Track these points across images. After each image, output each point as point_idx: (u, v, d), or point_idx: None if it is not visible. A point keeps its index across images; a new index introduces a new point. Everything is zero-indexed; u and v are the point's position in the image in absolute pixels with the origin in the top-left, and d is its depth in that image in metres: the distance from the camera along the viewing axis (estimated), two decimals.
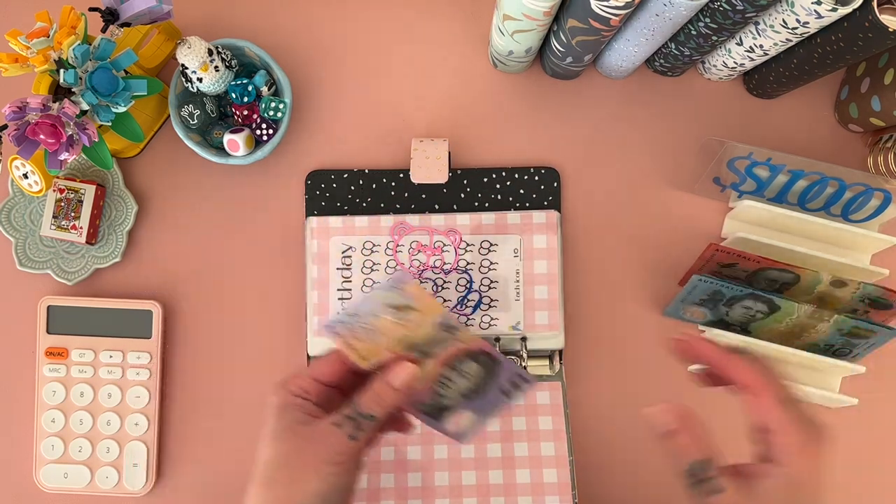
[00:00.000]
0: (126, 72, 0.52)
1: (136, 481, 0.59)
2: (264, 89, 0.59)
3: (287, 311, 0.61)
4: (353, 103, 0.63)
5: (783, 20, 0.50)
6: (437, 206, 0.61)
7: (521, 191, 0.62)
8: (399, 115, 0.63)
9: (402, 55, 0.64)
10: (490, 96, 0.64)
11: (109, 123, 0.51)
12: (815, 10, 0.47)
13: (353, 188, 0.61)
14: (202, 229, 0.62)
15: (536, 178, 0.62)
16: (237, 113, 0.60)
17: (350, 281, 0.59)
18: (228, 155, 0.59)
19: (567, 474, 0.58)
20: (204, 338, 0.61)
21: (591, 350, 0.61)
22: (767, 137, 0.64)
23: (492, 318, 0.59)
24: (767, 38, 0.53)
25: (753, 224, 0.62)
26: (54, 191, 0.58)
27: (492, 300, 0.59)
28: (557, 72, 0.62)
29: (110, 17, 0.51)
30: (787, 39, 0.52)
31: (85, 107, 0.49)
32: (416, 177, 0.59)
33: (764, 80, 0.61)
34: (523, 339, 0.59)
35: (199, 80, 0.56)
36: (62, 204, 0.58)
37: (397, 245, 0.60)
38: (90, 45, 0.49)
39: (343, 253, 0.59)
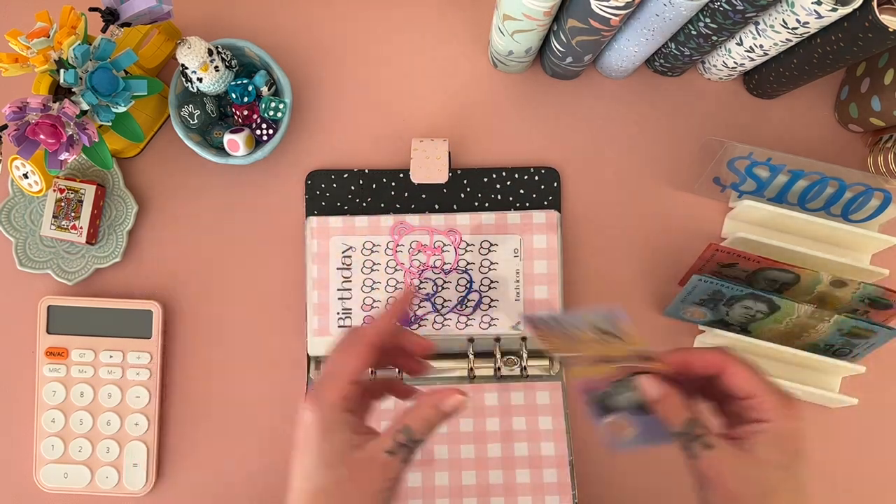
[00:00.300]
0: (126, 72, 0.52)
1: (136, 481, 0.59)
2: (264, 89, 0.59)
3: (287, 311, 0.61)
4: (353, 103, 0.63)
5: (783, 20, 0.50)
6: (437, 206, 0.61)
7: (521, 191, 0.62)
8: (399, 115, 0.63)
9: (402, 55, 0.64)
10: (490, 96, 0.64)
11: (109, 123, 0.51)
12: (815, 10, 0.47)
13: (353, 188, 0.61)
14: (202, 229, 0.62)
15: (536, 178, 0.62)
16: (237, 113, 0.60)
17: (350, 281, 0.59)
18: (228, 155, 0.59)
19: (567, 474, 0.58)
20: (204, 338, 0.61)
21: None
22: (767, 137, 0.64)
23: (492, 318, 0.59)
24: (767, 38, 0.53)
25: (753, 224, 0.62)
26: (54, 191, 0.58)
27: (492, 300, 0.59)
28: (557, 72, 0.62)
29: (110, 17, 0.51)
30: (787, 39, 0.52)
31: (85, 107, 0.49)
32: (416, 177, 0.59)
33: (764, 80, 0.61)
34: (523, 339, 0.59)
35: (199, 80, 0.56)
36: (62, 204, 0.58)
37: (397, 245, 0.60)
38: (90, 45, 0.49)
39: (343, 253, 0.60)
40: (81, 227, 0.58)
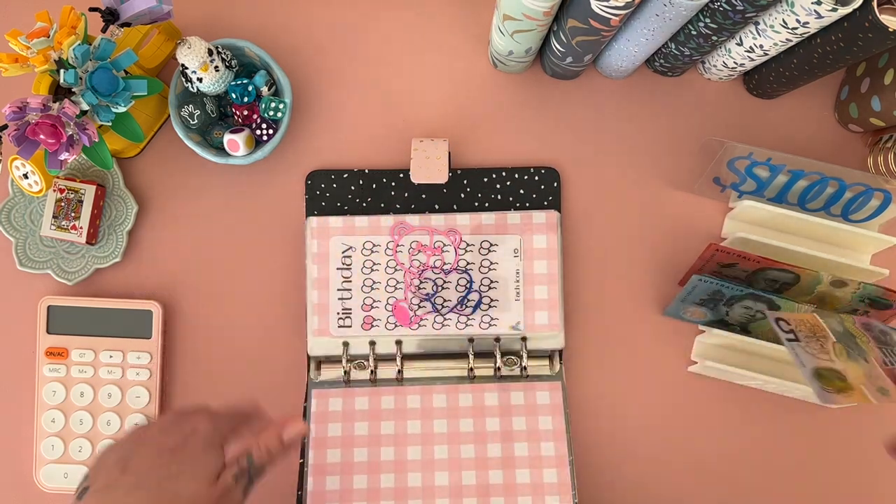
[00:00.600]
0: (126, 72, 0.52)
1: None
2: (264, 89, 0.59)
3: (287, 311, 0.61)
4: (353, 103, 0.63)
5: (783, 20, 0.50)
6: (437, 206, 0.61)
7: (521, 191, 0.62)
8: (399, 115, 0.63)
9: (402, 55, 0.64)
10: (490, 96, 0.64)
11: (109, 123, 0.51)
12: (815, 10, 0.47)
13: (353, 188, 0.61)
14: (202, 229, 0.62)
15: (536, 178, 0.62)
16: (237, 113, 0.60)
17: (350, 281, 0.59)
18: (228, 155, 0.59)
19: (567, 474, 0.58)
20: (204, 338, 0.61)
21: (591, 350, 0.61)
22: (767, 137, 0.64)
23: (492, 318, 0.59)
24: (767, 38, 0.53)
25: (753, 224, 0.62)
26: (54, 191, 0.58)
27: (492, 300, 0.59)
28: (557, 72, 0.62)
29: (110, 17, 0.51)
30: (787, 39, 0.52)
31: (85, 107, 0.49)
32: (416, 177, 0.59)
33: (764, 80, 0.61)
34: (523, 339, 0.59)
35: (199, 80, 0.56)
36: (62, 204, 0.58)
37: (397, 245, 0.60)
38: (90, 45, 0.49)
39: (343, 253, 0.60)
40: (81, 227, 0.58)
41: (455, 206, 0.61)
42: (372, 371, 0.59)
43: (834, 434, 0.62)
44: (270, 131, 0.59)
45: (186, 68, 0.55)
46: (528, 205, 0.62)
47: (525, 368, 0.59)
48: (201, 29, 0.63)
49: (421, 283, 0.60)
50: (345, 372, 0.59)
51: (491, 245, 0.60)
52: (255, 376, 0.61)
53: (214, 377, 0.61)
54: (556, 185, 0.62)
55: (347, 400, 0.59)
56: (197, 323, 0.61)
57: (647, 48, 0.56)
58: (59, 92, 0.53)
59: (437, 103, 0.63)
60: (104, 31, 0.51)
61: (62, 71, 0.48)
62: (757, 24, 0.53)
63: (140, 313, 0.59)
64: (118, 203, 0.61)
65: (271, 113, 0.59)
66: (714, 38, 0.53)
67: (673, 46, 0.57)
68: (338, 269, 0.60)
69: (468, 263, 0.60)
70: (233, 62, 0.58)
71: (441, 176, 0.59)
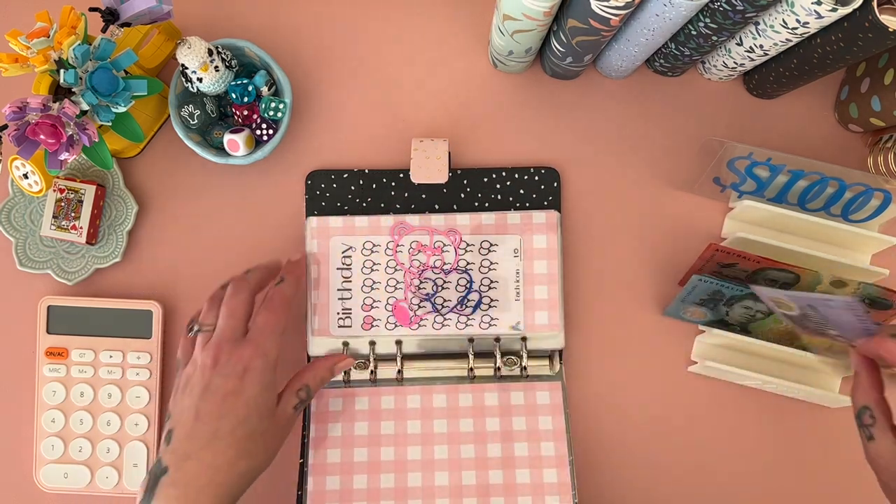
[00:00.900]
0: (126, 72, 0.52)
1: (136, 481, 0.59)
2: (264, 89, 0.59)
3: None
4: (353, 103, 0.63)
5: (783, 20, 0.50)
6: (437, 206, 0.61)
7: (521, 191, 0.62)
8: (399, 115, 0.63)
9: (402, 55, 0.64)
10: (490, 96, 0.64)
11: (109, 123, 0.51)
12: (815, 11, 0.47)
13: (353, 188, 0.61)
14: (202, 229, 0.62)
15: (536, 178, 0.62)
16: (237, 113, 0.60)
17: (350, 281, 0.59)
18: (228, 155, 0.59)
19: (567, 474, 0.58)
20: None
21: (591, 350, 0.61)
22: (767, 137, 0.64)
23: (492, 318, 0.59)
24: (767, 39, 0.53)
25: (753, 224, 0.62)
26: (54, 191, 0.58)
27: (492, 300, 0.59)
28: (557, 72, 0.62)
29: (110, 17, 0.51)
30: (787, 39, 0.52)
31: (85, 107, 0.49)
32: (416, 177, 0.59)
33: (764, 80, 0.61)
34: (523, 339, 0.59)
35: (199, 80, 0.56)
36: (62, 204, 0.58)
37: (397, 245, 0.60)
38: (90, 45, 0.49)
39: (343, 253, 0.60)
40: (81, 227, 0.58)
41: (455, 206, 0.61)
42: (372, 371, 0.59)
43: (834, 434, 0.62)
44: (270, 131, 0.59)
45: (186, 68, 0.55)
46: (528, 205, 0.62)
47: (525, 368, 0.59)
48: (201, 29, 0.63)
49: (421, 283, 0.60)
50: (345, 372, 0.59)
51: (491, 245, 0.60)
52: None
53: None
54: (556, 185, 0.62)
55: (347, 400, 0.59)
56: None
57: (647, 48, 0.55)
58: (59, 92, 0.53)
59: (437, 103, 0.63)
60: (104, 31, 0.51)
61: (62, 71, 0.48)
62: (757, 24, 0.53)
63: (140, 313, 0.59)
64: (118, 203, 0.61)
65: (271, 113, 0.59)
66: (714, 38, 0.53)
67: (673, 46, 0.57)
68: (338, 268, 0.60)
69: (468, 263, 0.60)
70: (233, 62, 0.58)
71: (441, 176, 0.59)
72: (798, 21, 0.49)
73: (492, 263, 0.60)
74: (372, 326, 0.59)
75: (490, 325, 0.59)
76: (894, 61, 0.56)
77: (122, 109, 0.51)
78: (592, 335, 0.62)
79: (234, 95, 0.59)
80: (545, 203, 0.62)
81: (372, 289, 0.59)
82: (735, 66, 0.59)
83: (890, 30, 0.47)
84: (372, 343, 0.59)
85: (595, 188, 0.63)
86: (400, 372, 0.59)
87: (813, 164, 0.59)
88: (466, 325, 0.59)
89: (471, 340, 0.59)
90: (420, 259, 0.60)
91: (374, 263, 0.60)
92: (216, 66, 0.56)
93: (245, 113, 0.60)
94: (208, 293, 0.61)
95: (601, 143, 0.63)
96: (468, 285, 0.60)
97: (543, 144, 0.63)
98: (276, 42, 0.63)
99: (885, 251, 0.61)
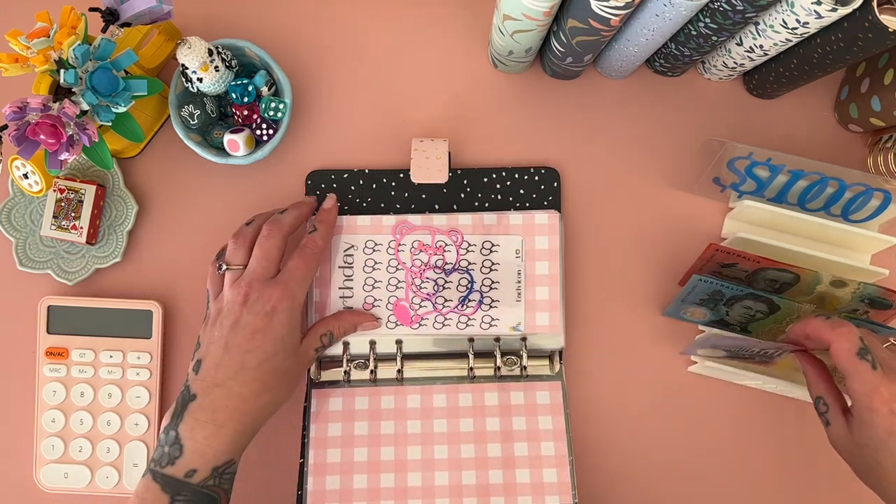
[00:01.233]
0: (126, 72, 0.52)
1: (136, 481, 0.59)
2: (264, 89, 0.59)
3: None
4: (353, 103, 0.63)
5: (783, 20, 0.50)
6: (437, 207, 0.61)
7: (521, 191, 0.62)
8: (399, 115, 0.63)
9: (402, 55, 0.64)
10: (490, 96, 0.64)
11: (109, 123, 0.51)
12: (814, 11, 0.47)
13: (353, 188, 0.61)
14: (202, 229, 0.62)
15: (536, 178, 0.62)
16: (237, 113, 0.60)
17: (351, 279, 0.59)
18: (228, 155, 0.59)
19: (567, 474, 0.58)
20: None
21: (591, 350, 0.61)
22: (767, 137, 0.64)
23: (493, 319, 0.59)
24: (767, 39, 0.53)
25: (753, 224, 0.62)
26: (54, 191, 0.58)
27: (493, 300, 0.59)
28: (557, 72, 0.62)
29: (110, 17, 0.51)
30: (786, 39, 0.52)
31: (85, 107, 0.49)
32: (417, 177, 0.59)
33: (764, 80, 0.61)
34: (523, 338, 0.59)
35: (200, 80, 0.56)
36: (62, 204, 0.58)
37: (399, 244, 0.60)
38: (90, 45, 0.49)
39: (345, 251, 0.60)
40: (81, 227, 0.58)
41: (455, 206, 0.61)
42: (372, 371, 0.59)
43: None
44: (270, 131, 0.59)
45: (186, 68, 0.55)
46: (528, 205, 0.62)
47: (525, 368, 0.59)
48: (201, 29, 0.63)
49: (422, 282, 0.60)
50: (345, 371, 0.59)
51: (493, 245, 0.60)
52: None
53: None
54: (556, 185, 0.62)
55: (347, 399, 0.59)
56: (197, 323, 0.61)
57: (647, 48, 0.56)
58: (59, 92, 0.53)
59: (437, 103, 0.63)
60: (104, 31, 0.51)
61: (62, 71, 0.48)
62: (757, 24, 0.53)
63: (140, 313, 0.59)
64: (118, 203, 0.61)
65: (271, 113, 0.59)
66: (714, 38, 0.53)
67: (673, 46, 0.57)
68: (340, 267, 0.60)
69: (469, 263, 0.60)
70: (233, 62, 0.58)
71: (441, 176, 0.59)
72: (798, 21, 0.49)
73: (493, 264, 0.60)
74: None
75: (490, 326, 0.59)
76: (894, 61, 0.56)
77: (122, 109, 0.51)
78: (592, 335, 0.62)
79: (234, 95, 0.59)
80: (545, 203, 0.62)
81: (373, 287, 0.60)
82: (735, 66, 0.59)
83: (890, 30, 0.47)
84: (372, 343, 0.59)
85: (595, 188, 0.63)
86: (400, 372, 0.59)
87: (813, 164, 0.59)
88: (467, 325, 0.59)
89: (471, 340, 0.59)
90: (421, 258, 0.60)
91: (376, 262, 0.60)
92: (216, 66, 0.56)
93: (245, 113, 0.60)
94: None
95: (601, 143, 0.63)
96: (469, 285, 0.60)
97: (543, 144, 0.63)
98: (276, 42, 0.63)
99: (885, 251, 0.61)
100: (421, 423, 0.58)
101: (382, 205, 0.61)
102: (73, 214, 0.58)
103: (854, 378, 0.46)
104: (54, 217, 0.58)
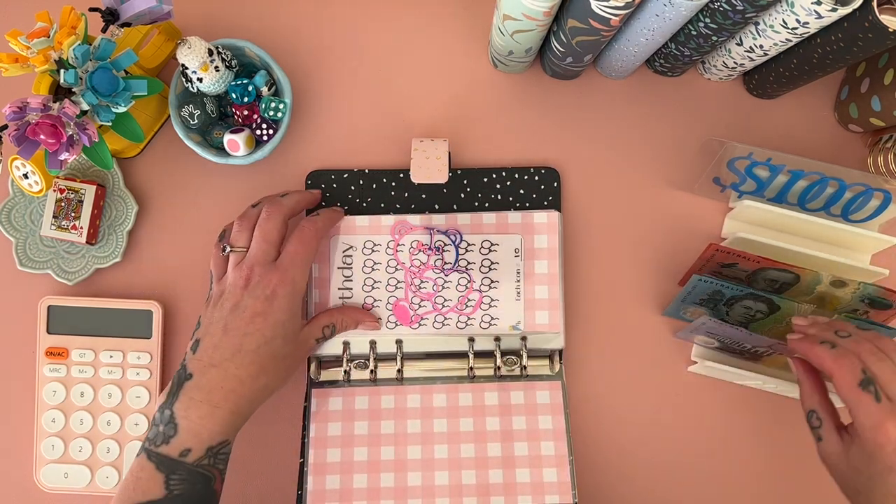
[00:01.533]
0: (126, 72, 0.52)
1: None
2: (264, 89, 0.59)
3: None
4: (353, 103, 0.63)
5: (783, 20, 0.50)
6: (437, 206, 0.61)
7: (521, 191, 0.62)
8: (399, 115, 0.63)
9: (402, 55, 0.64)
10: (490, 96, 0.64)
11: (109, 123, 0.51)
12: (815, 11, 0.47)
13: (353, 188, 0.61)
14: (202, 229, 0.62)
15: (536, 178, 0.62)
16: (237, 113, 0.60)
17: (351, 280, 0.59)
18: (228, 155, 0.59)
19: (567, 474, 0.58)
20: None
21: (591, 350, 0.61)
22: (767, 137, 0.64)
23: (492, 318, 0.59)
24: (767, 39, 0.53)
25: (753, 224, 0.62)
26: (54, 191, 0.58)
27: (492, 300, 0.59)
28: (557, 72, 0.62)
29: (110, 17, 0.51)
30: (786, 39, 0.52)
31: (85, 107, 0.49)
32: (417, 177, 0.59)
33: (764, 80, 0.61)
34: (523, 338, 0.59)
35: (200, 80, 0.56)
36: (62, 204, 0.58)
37: (398, 244, 0.60)
38: (90, 45, 0.49)
39: (344, 252, 0.60)
40: (81, 227, 0.58)
41: (455, 206, 0.61)
42: (372, 370, 0.59)
43: None
44: (270, 131, 0.59)
45: (186, 68, 0.55)
46: (528, 205, 0.62)
47: (525, 368, 0.59)
48: (201, 29, 0.63)
49: (421, 282, 0.60)
50: (345, 371, 0.59)
51: (492, 245, 0.60)
52: None
53: None
54: (556, 185, 0.62)
55: (347, 399, 0.59)
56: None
57: (647, 48, 0.56)
58: (59, 92, 0.53)
59: (437, 103, 0.63)
60: (104, 31, 0.51)
61: (62, 71, 0.48)
62: (757, 24, 0.53)
63: (140, 313, 0.59)
64: (118, 203, 0.61)
65: (271, 113, 0.59)
66: (714, 38, 0.53)
67: (673, 46, 0.57)
68: (339, 268, 0.60)
69: (469, 263, 0.60)
70: (233, 62, 0.58)
71: (441, 176, 0.59)
72: (798, 21, 0.49)
73: (492, 263, 0.60)
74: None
75: (490, 325, 0.59)
76: (894, 61, 0.56)
77: (122, 109, 0.51)
78: (592, 335, 0.62)
79: (234, 95, 0.59)
80: (545, 203, 0.62)
81: (373, 288, 0.60)
82: (735, 66, 0.59)
83: (890, 30, 0.47)
84: (372, 343, 0.59)
85: (595, 188, 0.63)
86: (400, 371, 0.59)
87: (813, 164, 0.59)
88: (467, 325, 0.59)
89: (471, 340, 0.59)
90: (420, 258, 0.60)
91: (375, 262, 0.60)
92: (216, 66, 0.56)
93: (245, 113, 0.60)
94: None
95: (601, 143, 0.63)
96: (468, 285, 0.60)
97: (543, 144, 0.63)
98: (276, 42, 0.63)
99: (885, 251, 0.61)
100: (421, 422, 0.58)
101: (382, 205, 0.61)
102: (73, 214, 0.58)
103: (858, 411, 0.45)
104: (54, 217, 0.58)
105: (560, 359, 0.60)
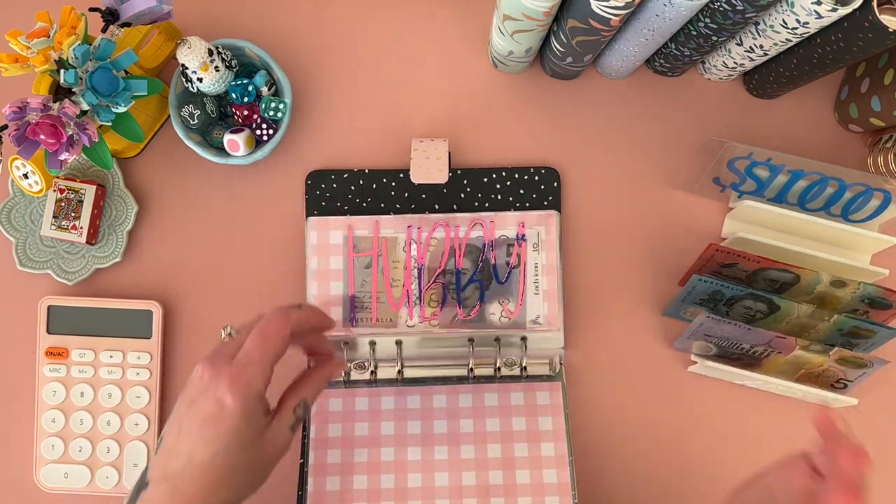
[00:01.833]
0: (126, 72, 0.52)
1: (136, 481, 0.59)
2: (264, 89, 0.59)
3: None
4: (353, 103, 0.63)
5: (783, 20, 0.50)
6: (437, 206, 0.61)
7: (521, 191, 0.62)
8: (399, 115, 0.63)
9: (402, 55, 0.64)
10: (490, 96, 0.64)
11: (109, 123, 0.51)
12: (815, 11, 0.47)
13: (353, 188, 0.61)
14: (202, 229, 0.62)
15: (536, 178, 0.62)
16: (237, 113, 0.60)
17: (350, 280, 0.59)
18: (228, 155, 0.59)
19: (567, 475, 0.58)
20: (204, 338, 0.61)
21: (591, 350, 0.61)
22: (767, 137, 0.64)
23: (492, 317, 0.59)
24: (767, 39, 0.53)
25: (753, 224, 0.62)
26: (54, 191, 0.58)
27: (492, 299, 0.59)
28: (557, 72, 0.62)
29: (110, 17, 0.51)
30: (786, 39, 0.52)
31: (85, 107, 0.49)
32: (417, 177, 0.59)
33: (764, 80, 0.61)
34: (523, 338, 0.59)
35: (200, 80, 0.56)
36: (62, 204, 0.58)
37: (397, 244, 0.60)
38: (90, 45, 0.49)
39: (343, 252, 0.59)
40: (81, 227, 0.58)
41: (455, 206, 0.61)
42: (372, 371, 0.59)
43: None
44: (270, 131, 0.59)
45: (186, 68, 0.55)
46: (528, 205, 0.62)
47: (525, 368, 0.59)
48: (201, 29, 0.63)
49: (420, 282, 0.60)
50: (345, 372, 0.59)
51: (492, 245, 0.60)
52: None
53: None
54: (556, 185, 0.62)
55: (347, 400, 0.59)
56: (197, 323, 0.61)
57: (647, 48, 0.56)
58: (60, 92, 0.53)
59: (437, 103, 0.63)
60: (104, 31, 0.51)
61: (62, 71, 0.48)
62: (757, 24, 0.53)
63: (140, 313, 0.59)
64: (118, 203, 0.61)
65: (271, 113, 0.59)
66: (714, 38, 0.53)
67: (673, 46, 0.57)
68: (338, 268, 0.59)
69: (469, 263, 0.60)
70: (233, 62, 0.58)
71: (441, 176, 0.59)
72: (798, 21, 0.49)
73: (492, 263, 0.60)
74: (372, 324, 0.59)
75: (490, 325, 0.59)
76: (894, 61, 0.56)
77: (122, 109, 0.51)
78: (592, 335, 0.62)
79: (234, 95, 0.59)
80: (545, 203, 0.62)
81: (372, 287, 0.59)
82: (735, 66, 0.59)
83: (890, 30, 0.47)
84: (372, 343, 0.59)
85: (595, 188, 0.63)
86: (400, 372, 0.59)
87: (813, 164, 0.59)
88: (467, 325, 0.59)
89: (471, 340, 0.59)
90: (420, 258, 0.60)
91: (374, 263, 0.60)
92: (216, 66, 0.56)
93: (245, 113, 0.60)
94: (208, 293, 0.61)
95: (601, 143, 0.63)
96: (467, 284, 0.60)
97: (543, 144, 0.63)
98: (276, 42, 0.63)
99: (885, 251, 0.61)
100: (421, 423, 0.58)
101: (382, 205, 0.61)
102: (73, 214, 0.58)
103: None
104: (54, 217, 0.58)
105: (560, 359, 0.60)
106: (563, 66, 0.60)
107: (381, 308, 0.59)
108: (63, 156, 0.49)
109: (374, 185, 0.62)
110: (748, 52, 0.56)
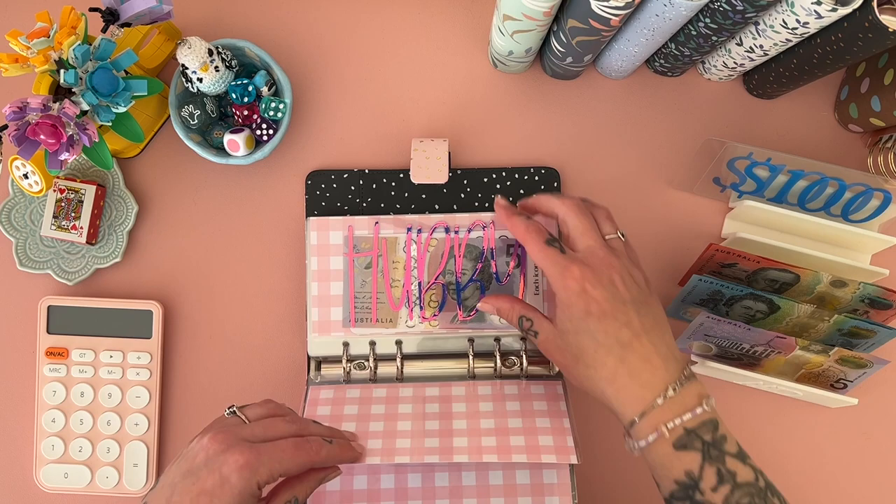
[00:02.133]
0: (126, 72, 0.52)
1: (137, 481, 0.59)
2: (264, 89, 0.59)
3: (287, 311, 0.61)
4: (353, 103, 0.63)
5: (783, 20, 0.50)
6: (437, 207, 0.61)
7: (521, 191, 0.62)
8: (399, 115, 0.63)
9: (402, 55, 0.64)
10: (490, 96, 0.64)
11: (110, 123, 0.51)
12: (815, 11, 0.47)
13: (353, 188, 0.62)
14: (202, 229, 0.62)
15: (536, 178, 0.62)
16: (237, 113, 0.60)
17: (350, 280, 0.59)
18: (228, 155, 0.59)
19: (567, 475, 0.58)
20: (204, 338, 0.61)
21: None
22: (767, 137, 0.64)
23: (492, 317, 0.59)
24: (767, 39, 0.53)
25: (753, 224, 0.62)
26: (54, 191, 0.58)
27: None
28: (557, 72, 0.62)
29: (110, 17, 0.51)
30: (786, 40, 0.52)
31: (85, 107, 0.49)
32: (417, 177, 0.59)
33: (764, 80, 0.61)
34: (523, 339, 0.59)
35: (200, 80, 0.56)
36: (62, 204, 0.58)
37: (397, 244, 0.60)
38: (90, 45, 0.49)
39: (343, 252, 0.59)
40: (81, 227, 0.58)
41: (455, 206, 0.61)
42: (372, 371, 0.59)
43: (834, 434, 0.62)
44: (270, 131, 0.59)
45: (186, 68, 0.55)
46: None
47: (525, 368, 0.59)
48: (201, 29, 0.63)
49: (420, 282, 0.60)
50: (345, 372, 0.59)
51: (492, 245, 0.60)
52: (255, 377, 0.61)
53: (214, 377, 0.61)
54: (556, 185, 0.62)
55: (347, 401, 0.59)
56: (197, 323, 0.61)
57: (647, 48, 0.56)
58: (60, 92, 0.53)
59: (437, 103, 0.63)
60: (104, 31, 0.51)
61: (62, 71, 0.48)
62: (757, 24, 0.53)
63: (140, 313, 0.59)
64: (118, 203, 0.61)
65: (271, 113, 0.59)
66: (714, 38, 0.53)
67: (673, 46, 0.57)
68: (338, 268, 0.59)
69: (468, 263, 0.60)
70: (233, 62, 0.58)
71: (441, 176, 0.59)
72: (798, 21, 0.49)
73: (492, 263, 0.60)
74: (371, 324, 0.59)
75: (490, 325, 0.59)
76: (894, 61, 0.56)
77: (122, 109, 0.51)
78: None
79: (234, 95, 0.59)
80: None
81: (371, 288, 0.59)
82: (735, 66, 0.59)
83: (890, 30, 0.47)
84: (372, 343, 0.59)
85: (595, 188, 0.63)
86: (400, 372, 0.59)
87: (813, 164, 0.59)
88: (466, 325, 0.59)
89: (471, 340, 0.59)
90: (420, 258, 0.60)
91: (374, 263, 0.60)
92: (216, 66, 0.56)
93: (245, 113, 0.60)
94: (208, 293, 0.61)
95: (601, 143, 0.63)
96: (467, 285, 0.60)
97: (543, 144, 0.63)
98: (276, 42, 0.63)
99: (885, 251, 0.61)
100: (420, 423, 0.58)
101: (382, 205, 0.61)
102: (73, 214, 0.58)
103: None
104: (54, 217, 0.58)
105: None
106: (563, 66, 0.60)
107: (380, 308, 0.59)
108: (63, 156, 0.49)
109: (374, 186, 0.62)
110: (748, 52, 0.56)
